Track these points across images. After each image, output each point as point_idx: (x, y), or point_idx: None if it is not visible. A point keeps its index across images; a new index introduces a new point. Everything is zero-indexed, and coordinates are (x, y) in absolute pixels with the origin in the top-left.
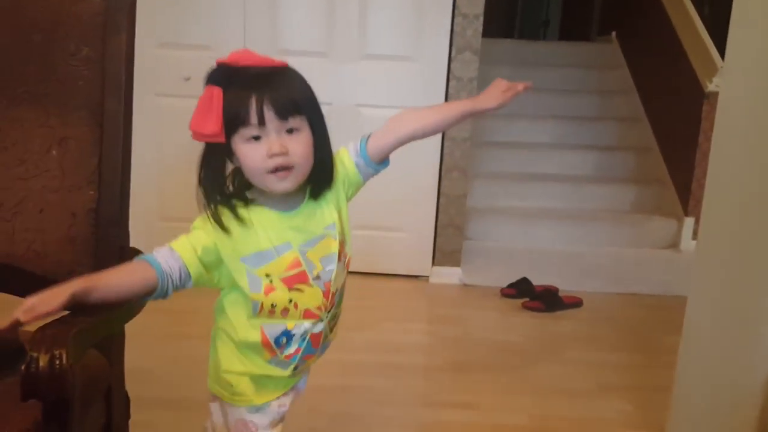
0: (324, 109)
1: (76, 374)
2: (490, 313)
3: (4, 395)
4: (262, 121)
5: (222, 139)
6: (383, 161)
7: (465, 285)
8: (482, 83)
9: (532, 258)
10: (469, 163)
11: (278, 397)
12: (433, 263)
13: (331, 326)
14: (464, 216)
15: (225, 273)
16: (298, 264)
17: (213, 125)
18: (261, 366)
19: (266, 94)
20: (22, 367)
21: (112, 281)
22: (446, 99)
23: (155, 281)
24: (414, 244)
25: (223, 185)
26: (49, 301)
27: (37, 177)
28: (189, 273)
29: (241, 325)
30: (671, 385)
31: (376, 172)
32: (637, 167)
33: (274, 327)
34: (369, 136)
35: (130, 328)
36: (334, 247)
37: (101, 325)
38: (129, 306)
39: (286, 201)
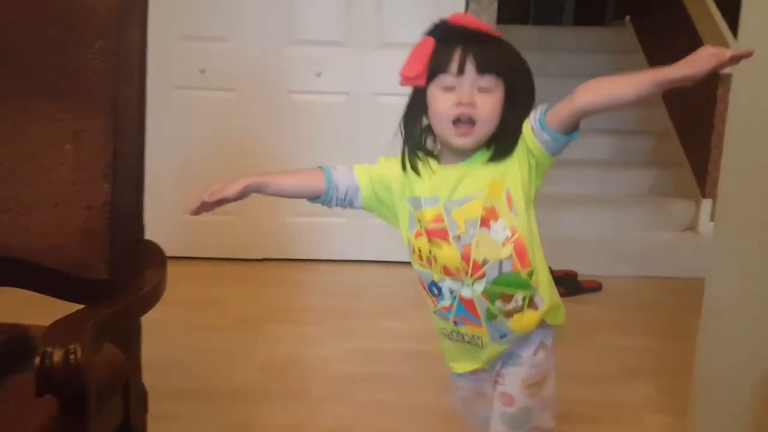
0: (341, 99)
1: (92, 368)
2: None
3: (18, 391)
4: (460, 70)
5: (422, 83)
6: (568, 131)
7: None
8: None
9: (551, 242)
10: None
11: (473, 371)
12: None
13: (503, 309)
14: None
15: (389, 209)
16: (440, 219)
17: (417, 68)
18: (432, 314)
19: (471, 49)
20: (36, 362)
21: (284, 182)
22: None
23: (323, 189)
24: None
25: (415, 131)
26: (228, 187)
27: (52, 171)
28: (359, 194)
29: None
30: (692, 367)
31: (556, 140)
32: (654, 151)
33: (425, 274)
34: (553, 104)
35: (151, 320)
36: (478, 212)
37: (116, 318)
38: (145, 296)
39: (455, 155)
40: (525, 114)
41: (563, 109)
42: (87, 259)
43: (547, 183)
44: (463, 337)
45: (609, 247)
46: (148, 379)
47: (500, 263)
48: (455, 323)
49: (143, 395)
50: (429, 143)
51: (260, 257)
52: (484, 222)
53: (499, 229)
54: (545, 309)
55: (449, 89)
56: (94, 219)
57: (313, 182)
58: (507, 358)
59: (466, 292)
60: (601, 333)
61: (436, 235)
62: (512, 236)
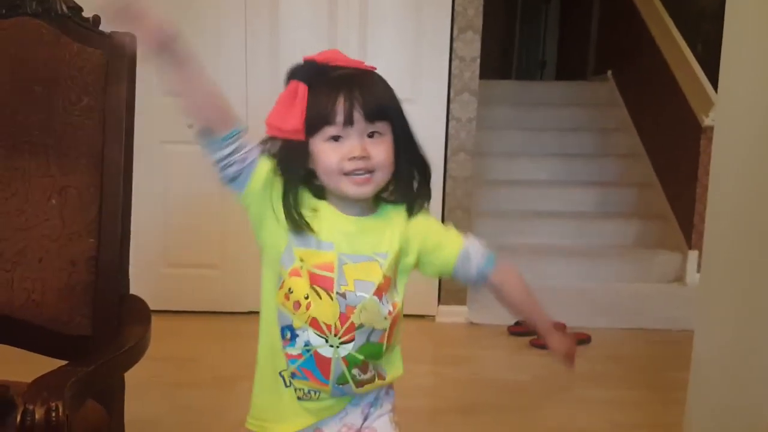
0: None
1: (74, 427)
2: (497, 352)
3: None
4: (348, 122)
5: (302, 136)
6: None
7: (472, 323)
8: (481, 123)
9: (539, 295)
10: (471, 201)
11: None
12: (439, 302)
13: (357, 378)
14: None
15: (270, 216)
16: (330, 268)
17: (295, 121)
18: (278, 357)
19: (355, 95)
20: (17, 421)
21: (203, 71)
22: (446, 139)
23: (230, 123)
24: (419, 283)
25: (300, 178)
26: (147, 21)
27: (37, 226)
28: (252, 170)
29: (268, 294)
30: (682, 422)
31: (475, 283)
32: (639, 202)
33: (284, 316)
34: (496, 264)
35: (132, 377)
36: (376, 277)
37: (99, 374)
38: (128, 353)
39: (353, 206)
40: (415, 147)
41: (497, 283)
42: (70, 315)
43: (530, 235)
44: (300, 390)
45: (595, 299)
46: None
47: (371, 332)
48: (293, 375)
49: None
50: (314, 189)
51: (245, 310)
52: (379, 291)
53: (386, 302)
54: (390, 379)
55: (335, 138)
56: (77, 275)
57: (227, 107)
58: (371, 399)
59: (325, 351)
60: (587, 387)
61: (320, 282)
62: (393, 311)
